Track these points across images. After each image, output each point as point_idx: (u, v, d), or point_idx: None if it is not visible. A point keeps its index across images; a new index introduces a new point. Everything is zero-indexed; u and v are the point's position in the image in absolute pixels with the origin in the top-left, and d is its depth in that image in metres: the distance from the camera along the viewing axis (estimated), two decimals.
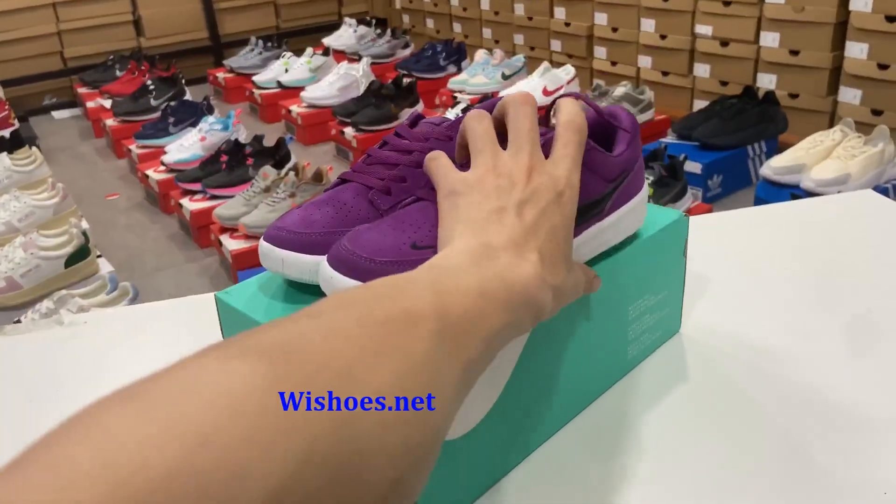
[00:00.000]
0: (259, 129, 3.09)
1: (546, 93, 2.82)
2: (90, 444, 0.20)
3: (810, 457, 0.46)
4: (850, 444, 0.47)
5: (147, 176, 2.59)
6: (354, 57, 3.68)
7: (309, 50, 3.49)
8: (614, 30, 3.05)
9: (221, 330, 0.51)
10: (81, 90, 3.61)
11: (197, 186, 2.37)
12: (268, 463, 0.21)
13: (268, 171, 2.18)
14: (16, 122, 3.20)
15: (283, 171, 2.21)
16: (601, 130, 0.49)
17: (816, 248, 0.71)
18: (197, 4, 4.08)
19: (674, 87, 2.88)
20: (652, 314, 0.54)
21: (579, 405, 0.51)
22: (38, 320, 0.69)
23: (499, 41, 3.64)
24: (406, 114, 2.84)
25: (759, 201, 2.13)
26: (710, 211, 2.11)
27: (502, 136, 0.41)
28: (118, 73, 3.56)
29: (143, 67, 3.46)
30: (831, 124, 2.40)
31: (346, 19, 4.03)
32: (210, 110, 2.89)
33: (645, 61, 2.97)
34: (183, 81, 3.27)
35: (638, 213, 0.49)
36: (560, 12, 3.26)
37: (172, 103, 2.95)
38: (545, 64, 2.91)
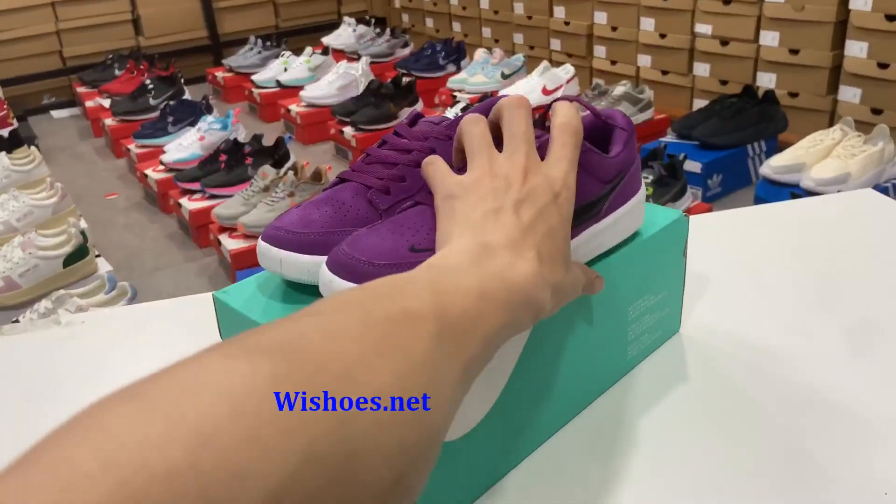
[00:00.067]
0: (258, 128, 3.09)
1: (545, 92, 2.82)
2: (90, 444, 0.20)
3: (810, 457, 0.46)
4: (850, 443, 0.47)
5: (146, 175, 2.58)
6: (354, 56, 3.68)
7: (308, 49, 3.49)
8: (614, 29, 3.05)
9: (219, 330, 0.51)
10: (80, 89, 3.61)
11: (196, 186, 2.37)
12: (268, 463, 0.21)
13: (267, 170, 2.18)
14: (14, 121, 3.20)
15: (282, 170, 2.21)
16: (597, 132, 0.49)
17: (816, 248, 0.71)
18: (196, 3, 4.08)
19: (673, 87, 2.88)
20: (652, 314, 0.54)
21: (579, 405, 0.51)
22: (37, 320, 0.69)
23: (498, 40, 3.64)
24: (405, 113, 2.84)
25: (758, 200, 2.13)
26: (709, 210, 2.10)
27: (498, 140, 0.41)
28: (117, 73, 3.56)
29: (141, 67, 3.46)
30: (831, 123, 2.39)
31: (346, 18, 4.02)
32: (209, 110, 2.89)
33: (644, 60, 2.97)
34: (182, 81, 3.27)
35: (636, 214, 0.49)
36: (559, 11, 3.26)
37: (171, 103, 2.95)
38: (544, 63, 2.91)
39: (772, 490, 0.44)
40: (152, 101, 3.13)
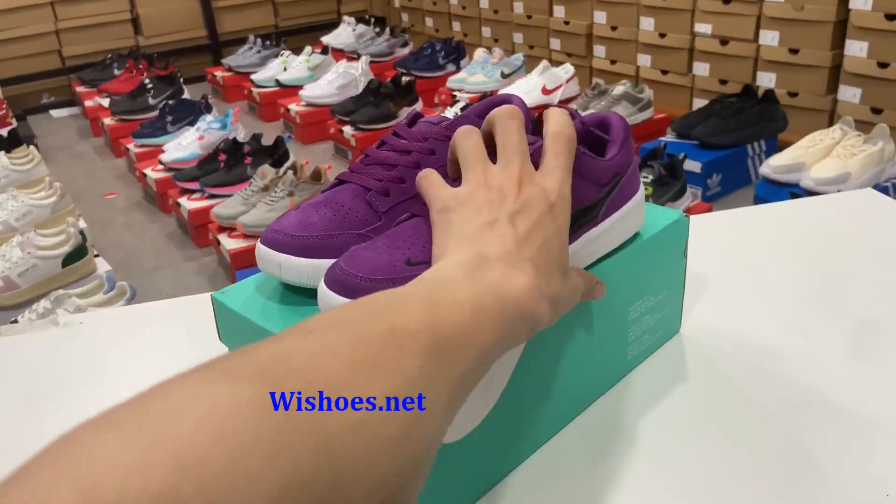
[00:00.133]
0: (257, 127, 3.09)
1: (545, 91, 2.82)
2: (68, 473, 0.20)
3: (810, 457, 0.46)
4: (850, 444, 0.46)
5: (145, 175, 2.58)
6: (353, 55, 3.68)
7: (307, 48, 3.49)
8: (613, 28, 3.04)
9: (218, 330, 0.51)
10: (79, 89, 3.60)
11: (195, 185, 2.37)
12: (250, 490, 0.21)
13: (266, 170, 2.18)
14: (14, 120, 3.20)
15: (282, 170, 2.21)
16: (593, 135, 0.48)
17: (816, 248, 0.71)
18: (195, 3, 4.08)
19: (673, 86, 2.88)
20: (652, 315, 0.54)
21: (579, 406, 0.51)
22: (35, 320, 0.69)
23: (498, 40, 3.64)
24: (405, 112, 2.84)
25: (758, 200, 2.13)
26: (709, 210, 2.10)
27: (492, 151, 0.41)
28: (116, 72, 3.56)
29: (141, 66, 3.45)
30: (831, 123, 2.39)
31: (345, 18, 4.02)
32: (208, 109, 2.89)
33: (644, 60, 2.96)
34: (181, 80, 3.27)
35: (635, 216, 0.49)
36: (559, 11, 3.26)
37: (171, 102, 2.95)
38: (544, 62, 2.91)
39: (772, 490, 0.44)
40: (151, 101, 3.13)
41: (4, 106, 3.20)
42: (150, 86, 3.15)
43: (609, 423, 0.50)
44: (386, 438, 0.26)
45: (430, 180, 0.41)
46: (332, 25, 4.14)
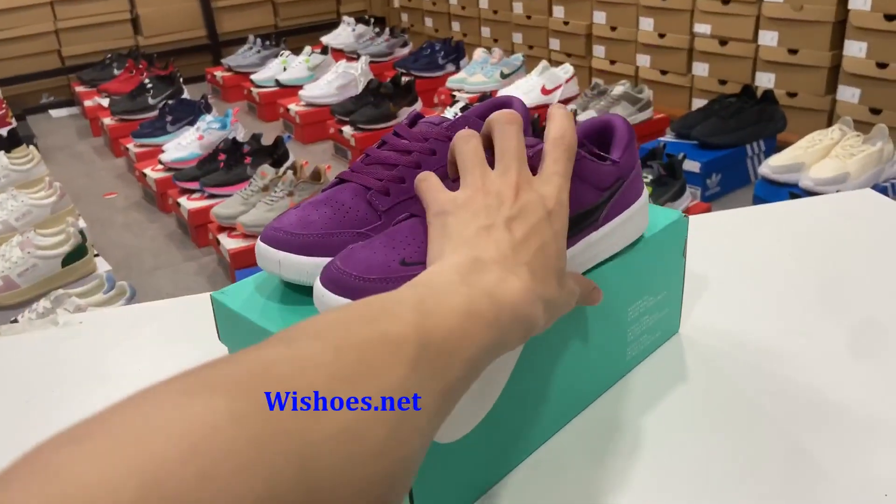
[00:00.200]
0: (257, 127, 3.09)
1: (545, 91, 2.82)
2: (36, 489, 0.20)
3: (809, 457, 0.46)
4: (849, 443, 0.47)
5: (145, 175, 2.58)
6: (353, 55, 3.68)
7: (307, 48, 3.49)
8: (613, 28, 3.04)
9: (217, 330, 0.51)
10: (79, 89, 3.60)
11: (195, 185, 2.37)
12: None
13: (266, 169, 2.18)
14: (13, 120, 3.20)
15: (282, 169, 2.21)
16: (597, 137, 0.48)
17: (816, 248, 0.71)
18: (195, 3, 4.07)
19: (672, 86, 2.88)
20: (651, 315, 0.54)
21: (578, 406, 0.51)
22: (35, 320, 0.69)
23: (497, 40, 3.64)
24: (404, 112, 2.84)
25: (757, 200, 2.13)
26: (708, 210, 2.11)
27: (491, 154, 0.41)
28: (116, 72, 3.55)
29: (140, 66, 3.45)
30: (830, 123, 2.40)
31: (345, 18, 4.02)
32: (208, 109, 2.89)
33: (643, 60, 2.97)
34: (181, 80, 3.27)
35: (637, 221, 0.49)
36: (559, 11, 3.26)
37: (170, 102, 2.95)
38: (544, 62, 2.91)
39: (771, 490, 0.44)
40: (151, 101, 3.13)
41: (4, 106, 3.20)
42: (149, 86, 3.15)
43: (608, 422, 0.50)
44: (367, 448, 0.26)
45: (428, 183, 0.41)
46: (331, 25, 4.14)
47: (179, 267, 2.21)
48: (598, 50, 3.15)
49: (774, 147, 2.37)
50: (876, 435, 0.47)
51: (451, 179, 0.42)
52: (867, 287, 0.64)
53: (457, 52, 3.43)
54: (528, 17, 3.41)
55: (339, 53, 3.72)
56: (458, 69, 3.35)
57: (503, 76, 3.06)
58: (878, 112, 2.29)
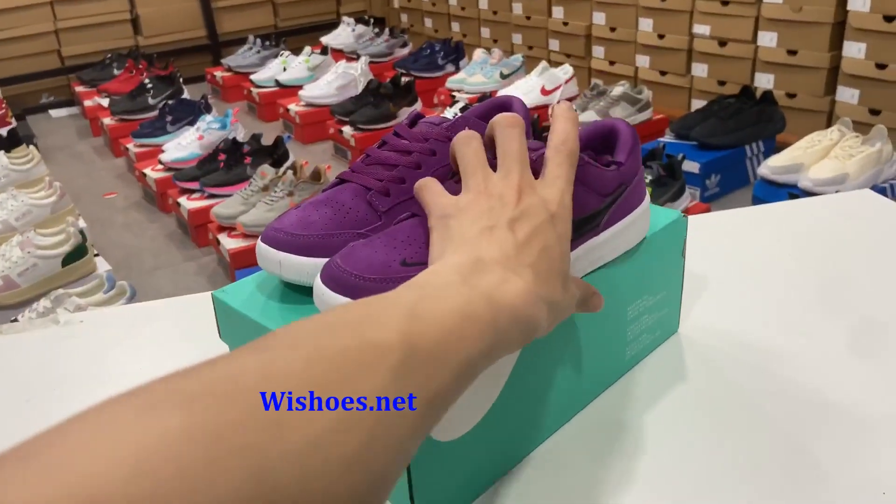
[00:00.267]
0: (257, 127, 3.09)
1: (544, 92, 2.83)
2: None
3: (809, 456, 0.46)
4: (848, 442, 0.47)
5: (145, 175, 2.58)
6: (353, 56, 3.68)
7: (307, 49, 3.49)
8: (612, 29, 3.05)
9: (219, 329, 0.51)
10: (79, 89, 3.60)
11: (195, 185, 2.37)
12: None
13: (266, 169, 2.18)
14: (13, 120, 3.20)
15: (281, 169, 2.21)
16: (601, 141, 0.48)
17: (815, 248, 0.71)
18: (195, 3, 4.08)
19: (672, 87, 2.88)
20: (650, 314, 0.54)
21: (577, 406, 0.51)
22: (35, 319, 0.69)
23: (497, 40, 3.64)
24: (404, 113, 2.84)
25: (756, 201, 2.13)
26: (707, 210, 2.11)
27: (493, 155, 0.41)
28: (116, 72, 3.56)
29: (140, 66, 3.45)
30: (829, 124, 2.40)
31: (345, 18, 4.02)
32: (208, 109, 2.89)
33: (643, 61, 2.97)
34: (181, 80, 3.27)
35: (638, 226, 0.49)
36: (558, 12, 3.26)
37: (170, 102, 2.95)
38: (543, 63, 2.91)
39: (769, 489, 0.44)
40: (151, 101, 3.13)
41: (4, 105, 3.20)
42: (149, 86, 3.15)
43: (607, 422, 0.50)
44: (334, 462, 0.25)
45: (429, 188, 0.41)
46: (331, 26, 4.14)
47: (179, 267, 2.21)
48: (598, 51, 3.15)
49: (773, 148, 2.37)
50: (875, 434, 0.47)
51: (454, 181, 0.42)
52: (867, 287, 0.64)
53: (456, 53, 3.43)
54: (528, 18, 3.42)
55: (338, 54, 3.72)
56: (457, 70, 3.35)
57: (503, 77, 3.06)
58: (878, 113, 2.30)
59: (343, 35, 3.90)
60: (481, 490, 0.45)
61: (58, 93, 3.89)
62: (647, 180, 2.01)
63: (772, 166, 2.08)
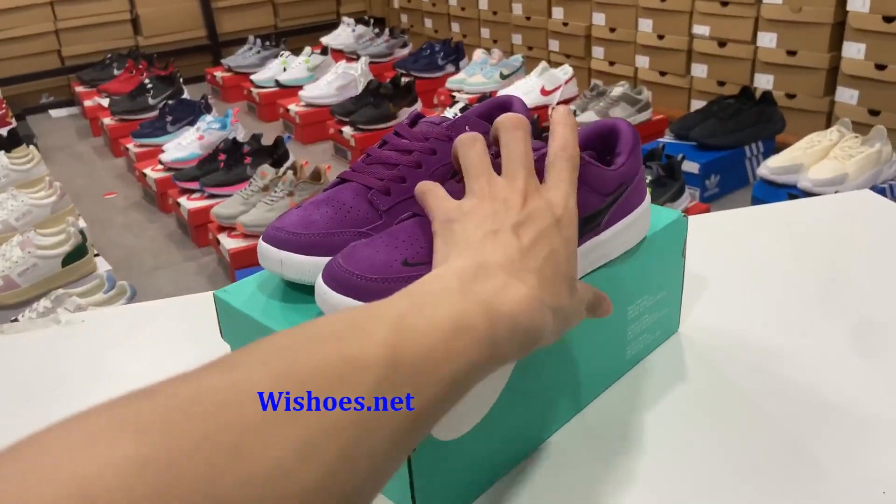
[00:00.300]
0: (257, 127, 3.09)
1: (544, 92, 2.83)
2: None
3: (808, 456, 0.46)
4: (847, 442, 0.47)
5: (145, 175, 2.58)
6: (353, 56, 3.68)
7: (307, 49, 3.49)
8: (612, 30, 3.05)
9: (220, 329, 0.51)
10: (79, 89, 3.60)
11: (195, 185, 2.37)
12: None
13: (266, 169, 2.18)
14: (13, 120, 3.20)
15: (282, 169, 2.21)
16: (601, 141, 0.48)
17: (814, 248, 0.71)
18: (195, 3, 4.08)
19: (671, 87, 2.89)
20: (651, 314, 0.54)
21: (578, 405, 0.51)
22: (36, 319, 0.69)
23: (497, 41, 3.64)
24: (404, 113, 2.84)
25: (756, 201, 2.13)
26: (707, 211, 2.11)
27: (497, 156, 0.41)
28: (116, 72, 3.56)
29: (140, 66, 3.46)
30: (828, 124, 2.40)
31: (345, 19, 4.03)
32: (208, 109, 2.89)
33: (642, 61, 2.97)
34: (181, 80, 3.27)
35: (639, 225, 0.49)
36: (558, 12, 3.27)
37: (170, 102, 2.95)
38: (543, 64, 2.92)
39: (770, 489, 0.44)
40: (151, 101, 3.13)
41: (4, 105, 3.20)
42: (149, 86, 3.16)
43: (608, 421, 0.50)
44: (296, 490, 0.24)
45: (431, 193, 0.40)
46: (331, 26, 4.14)
47: (179, 267, 2.21)
48: (598, 51, 3.15)
49: (773, 148, 2.38)
50: (874, 433, 0.48)
51: (455, 180, 0.42)
52: (866, 287, 0.64)
53: (456, 53, 3.43)
54: (528, 19, 3.42)
55: (338, 54, 3.72)
56: (457, 70, 3.36)
57: (502, 77, 3.07)
58: (877, 113, 2.30)
59: (343, 35, 3.90)
60: (482, 489, 0.45)
61: (58, 93, 3.89)
62: (647, 180, 2.01)
63: (771, 167, 2.09)
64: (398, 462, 0.29)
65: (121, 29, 3.96)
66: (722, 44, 2.66)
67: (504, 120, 0.41)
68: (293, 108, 3.10)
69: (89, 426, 0.23)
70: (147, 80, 3.18)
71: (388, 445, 0.27)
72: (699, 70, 2.78)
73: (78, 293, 1.70)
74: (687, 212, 1.42)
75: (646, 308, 0.54)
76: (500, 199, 0.38)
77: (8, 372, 0.62)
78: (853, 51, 2.31)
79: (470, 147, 0.40)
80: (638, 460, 0.47)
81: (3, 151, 2.44)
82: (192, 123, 2.81)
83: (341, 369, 0.27)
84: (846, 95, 2.37)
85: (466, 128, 0.48)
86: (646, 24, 2.90)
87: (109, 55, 3.70)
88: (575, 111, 2.53)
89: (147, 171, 2.58)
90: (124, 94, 3.20)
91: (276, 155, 2.43)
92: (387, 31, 3.83)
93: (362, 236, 0.45)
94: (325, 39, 3.91)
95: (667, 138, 2.43)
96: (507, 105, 0.51)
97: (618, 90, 2.60)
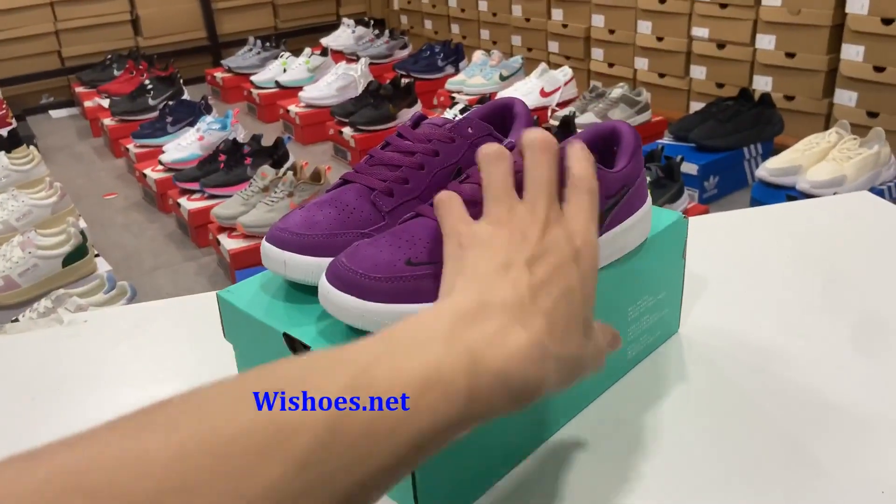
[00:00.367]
0: (257, 128, 3.09)
1: (543, 93, 2.83)
2: None
3: (809, 456, 0.46)
4: (847, 442, 0.47)
5: (145, 175, 2.59)
6: (352, 57, 3.68)
7: (307, 50, 3.49)
8: (611, 31, 3.05)
9: (223, 329, 0.52)
10: (79, 89, 3.60)
11: (195, 186, 2.37)
12: None
13: (266, 170, 2.18)
14: (13, 121, 3.20)
15: (282, 170, 2.21)
16: (603, 143, 0.49)
17: (813, 249, 0.72)
18: (195, 4, 4.08)
19: (670, 89, 2.89)
20: (651, 315, 0.55)
21: (578, 405, 0.51)
22: (38, 319, 0.69)
23: (496, 42, 3.64)
24: (404, 114, 2.85)
25: (754, 203, 2.14)
26: (706, 212, 2.11)
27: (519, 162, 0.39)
28: (116, 73, 3.56)
29: (140, 67, 3.46)
30: (827, 126, 2.41)
31: (345, 20, 4.03)
32: (208, 110, 2.89)
33: (642, 63, 2.98)
34: (181, 81, 3.27)
35: (640, 227, 0.49)
36: (557, 14, 3.27)
37: (170, 103, 2.95)
38: (542, 65, 2.92)
39: (770, 489, 0.44)
40: (151, 102, 3.13)
41: (4, 106, 3.20)
42: (149, 87, 3.16)
43: (608, 421, 0.50)
44: None
45: (449, 210, 0.37)
46: (331, 27, 4.15)
47: (179, 267, 2.22)
48: (597, 53, 3.15)
49: (772, 150, 2.38)
50: (874, 433, 0.48)
51: (459, 181, 0.42)
52: (865, 288, 0.64)
53: (456, 55, 3.43)
54: (528, 20, 3.42)
55: (338, 55, 3.72)
56: (457, 71, 3.36)
57: (502, 78, 3.07)
58: (875, 115, 2.30)
59: (343, 36, 3.90)
60: (484, 489, 0.45)
61: (58, 93, 3.89)
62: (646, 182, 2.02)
63: (770, 168, 2.09)
64: None
65: (121, 30, 3.96)
66: (721, 46, 2.67)
67: (534, 139, 0.37)
68: (293, 108, 3.10)
69: None
70: (147, 81, 3.18)
71: None
72: (698, 72, 2.78)
73: (78, 293, 1.70)
74: (686, 213, 1.43)
75: (646, 309, 0.54)
76: (517, 231, 0.35)
77: (10, 372, 0.62)
78: (852, 53, 2.32)
79: (495, 165, 0.37)
80: (638, 460, 0.47)
81: (3, 152, 2.44)
82: (192, 124, 2.81)
83: (265, 436, 0.24)
84: (845, 97, 2.37)
85: (469, 129, 0.48)
86: (645, 26, 2.90)
87: (109, 56, 3.70)
88: (574, 112, 2.53)
89: (147, 171, 2.59)
90: (124, 95, 3.20)
91: (276, 156, 2.43)
92: (387, 32, 3.83)
93: (365, 237, 0.45)
94: (325, 40, 3.91)
95: (666, 140, 2.43)
96: (509, 108, 0.51)
97: (617, 92, 2.60)
